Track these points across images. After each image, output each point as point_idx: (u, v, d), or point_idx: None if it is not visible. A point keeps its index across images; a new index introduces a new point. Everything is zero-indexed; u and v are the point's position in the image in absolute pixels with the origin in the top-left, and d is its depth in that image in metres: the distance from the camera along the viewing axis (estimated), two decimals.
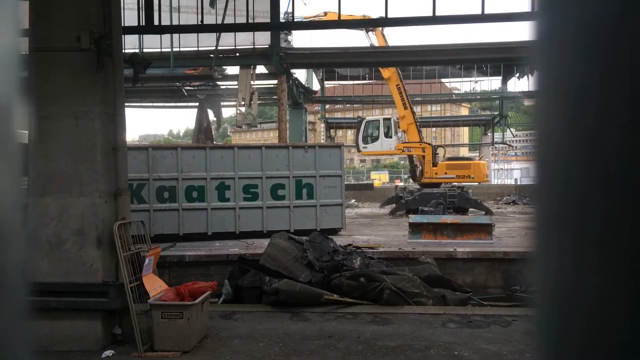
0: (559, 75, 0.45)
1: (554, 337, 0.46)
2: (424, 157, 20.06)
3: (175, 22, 15.16)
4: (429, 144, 20.79)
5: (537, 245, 0.49)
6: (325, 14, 20.37)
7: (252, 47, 17.09)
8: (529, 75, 28.06)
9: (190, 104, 23.75)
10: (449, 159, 21.62)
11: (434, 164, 19.95)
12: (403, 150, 20.57)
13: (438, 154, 21.08)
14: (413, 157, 21.07)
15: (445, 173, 19.79)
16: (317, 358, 5.33)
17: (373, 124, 20.71)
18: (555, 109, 0.45)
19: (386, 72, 21.17)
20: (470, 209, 18.59)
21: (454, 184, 19.89)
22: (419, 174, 20.65)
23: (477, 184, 20.18)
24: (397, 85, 21.05)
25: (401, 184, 34.05)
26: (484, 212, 17.95)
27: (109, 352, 5.52)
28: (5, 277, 0.45)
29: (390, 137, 20.17)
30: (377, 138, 20.03)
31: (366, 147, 20.61)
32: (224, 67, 17.81)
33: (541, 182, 0.48)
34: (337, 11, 18.41)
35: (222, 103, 24.12)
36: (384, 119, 20.78)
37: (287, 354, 5.44)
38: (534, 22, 0.47)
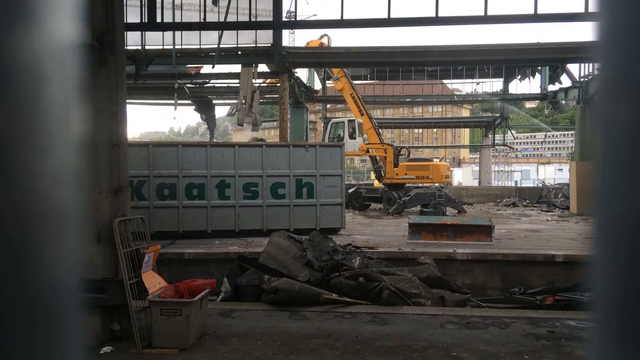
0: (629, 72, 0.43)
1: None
2: (386, 158, 20.69)
3: (177, 20, 15.18)
4: (390, 145, 21.47)
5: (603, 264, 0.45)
6: (321, 37, 20.80)
7: (254, 45, 17.09)
8: (531, 78, 28.06)
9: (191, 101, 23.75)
10: (411, 160, 22.19)
11: (395, 165, 20.57)
12: (368, 151, 21.10)
13: (402, 155, 21.67)
14: (376, 158, 21.61)
15: (406, 174, 20.45)
16: (315, 357, 5.33)
17: (338, 125, 21.27)
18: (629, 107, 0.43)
19: (339, 84, 22.11)
20: (449, 208, 18.86)
21: (436, 184, 20.40)
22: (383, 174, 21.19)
23: (437, 184, 20.60)
24: (351, 94, 21.93)
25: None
26: (458, 211, 18.84)
27: (107, 348, 5.52)
28: (62, 271, 0.45)
29: (355, 138, 20.71)
30: (342, 139, 20.29)
31: None
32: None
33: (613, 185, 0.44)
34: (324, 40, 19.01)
35: (215, 106, 24.27)
36: (349, 121, 21.29)
37: (285, 353, 5.44)
38: (600, 16, 0.45)
